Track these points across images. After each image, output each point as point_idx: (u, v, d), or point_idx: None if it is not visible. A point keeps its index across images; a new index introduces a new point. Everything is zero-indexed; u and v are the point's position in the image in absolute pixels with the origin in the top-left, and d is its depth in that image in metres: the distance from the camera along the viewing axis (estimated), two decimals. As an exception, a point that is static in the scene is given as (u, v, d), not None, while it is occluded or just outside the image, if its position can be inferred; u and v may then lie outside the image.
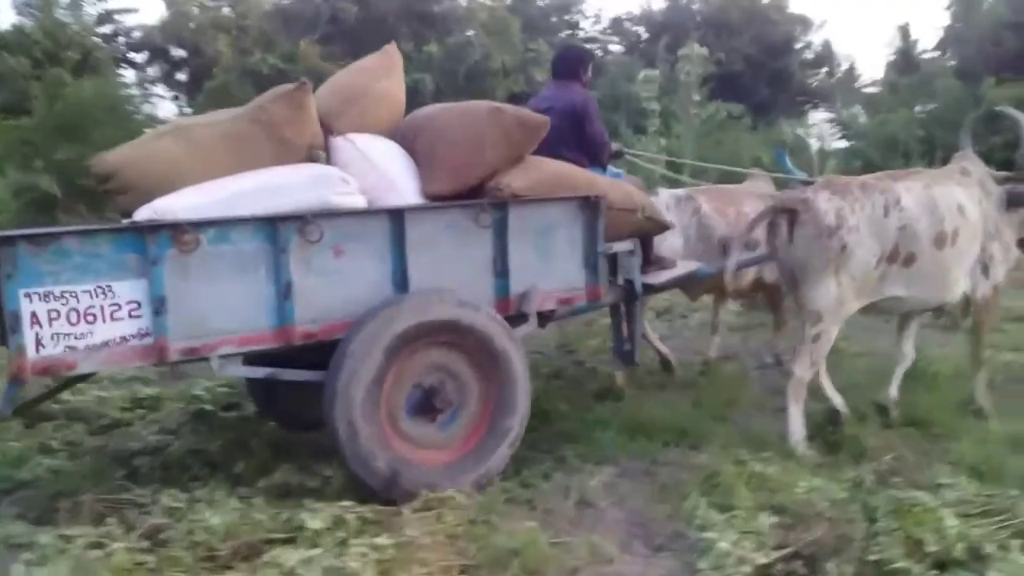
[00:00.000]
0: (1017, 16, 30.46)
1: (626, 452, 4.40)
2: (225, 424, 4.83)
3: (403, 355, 3.78)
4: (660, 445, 4.50)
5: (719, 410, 5.13)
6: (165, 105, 23.57)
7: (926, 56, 35.11)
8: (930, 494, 3.59)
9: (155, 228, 3.44)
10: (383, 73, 4.55)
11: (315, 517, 3.27)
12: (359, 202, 3.91)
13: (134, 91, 18.02)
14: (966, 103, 26.08)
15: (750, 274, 5.84)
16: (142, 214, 3.58)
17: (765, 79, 30.23)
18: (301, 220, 3.66)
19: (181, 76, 20.65)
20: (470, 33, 12.94)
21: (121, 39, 20.77)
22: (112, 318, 3.39)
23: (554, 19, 26.94)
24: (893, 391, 5.05)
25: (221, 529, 3.31)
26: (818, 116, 33.35)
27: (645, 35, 32.14)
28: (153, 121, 15.53)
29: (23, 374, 3.27)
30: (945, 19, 35.65)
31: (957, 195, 4.70)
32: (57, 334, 3.30)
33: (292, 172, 3.89)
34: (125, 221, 3.69)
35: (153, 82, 20.46)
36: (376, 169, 4.05)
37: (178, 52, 19.68)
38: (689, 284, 5.53)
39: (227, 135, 3.93)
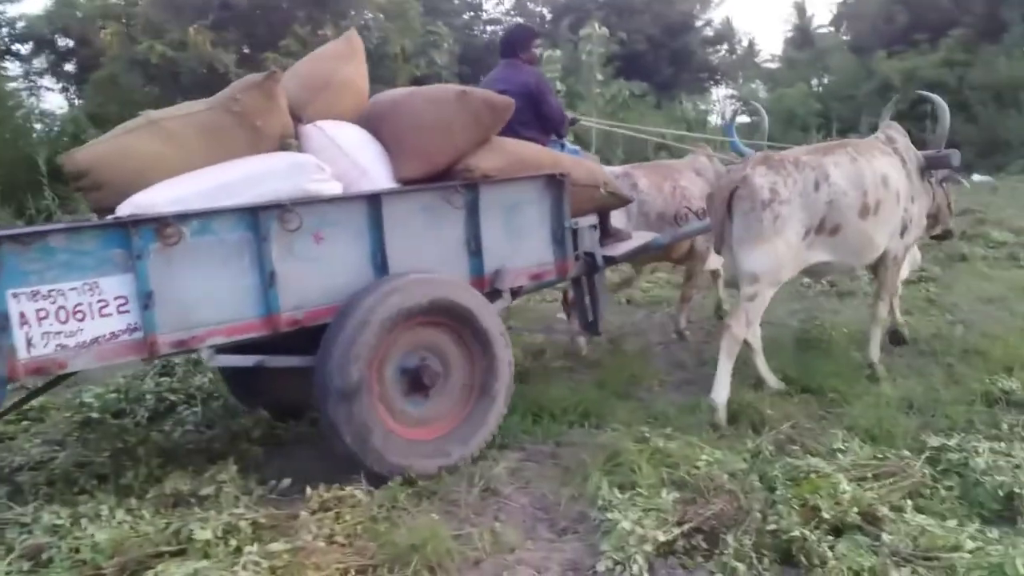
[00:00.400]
0: (904, -11, 31.54)
1: (531, 436, 4.37)
2: (115, 432, 4.60)
3: (393, 335, 3.85)
4: (565, 427, 4.48)
5: (623, 388, 5.16)
6: (52, 97, 22.55)
7: (822, 31, 36.16)
8: (826, 460, 3.68)
9: (138, 223, 3.41)
10: (345, 60, 4.57)
11: (205, 527, 3.12)
12: (335, 188, 3.93)
13: (19, 84, 17.20)
14: (859, 76, 26.99)
15: (686, 244, 6.06)
16: (124, 209, 3.55)
17: (667, 58, 30.65)
18: (280, 208, 3.67)
19: (69, 67, 19.73)
20: (367, 17, 12.64)
21: (4, 30, 19.79)
22: (101, 314, 3.36)
23: (456, 1, 26.75)
24: (873, 355, 5.24)
25: (107, 545, 3.14)
26: (720, 92, 34.09)
27: (549, 16, 32.21)
28: (42, 115, 14.82)
29: (15, 375, 3.23)
30: (839, -6, 36.80)
31: (882, 165, 4.96)
32: (47, 333, 3.26)
33: (268, 161, 3.89)
34: (109, 217, 3.59)
35: (40, 74, 19.54)
36: (347, 156, 4.08)
37: (65, 42, 18.79)
38: (643, 254, 5.65)
39: (201, 126, 3.91)
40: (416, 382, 3.98)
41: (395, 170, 4.20)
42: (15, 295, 3.18)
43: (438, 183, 4.19)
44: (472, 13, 27.79)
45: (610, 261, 5.23)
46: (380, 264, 3.96)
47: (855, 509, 3.15)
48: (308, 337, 3.78)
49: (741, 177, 4.69)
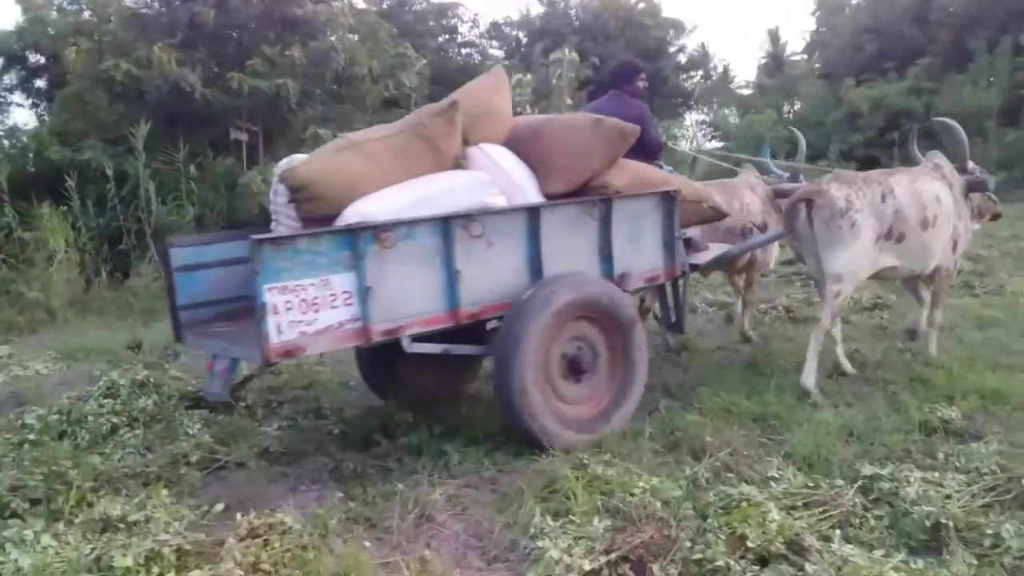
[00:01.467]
0: (875, 21, 32.10)
1: (473, 462, 4.36)
2: (51, 455, 4.53)
3: (558, 327, 4.47)
4: (508, 453, 4.47)
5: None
6: (21, 114, 22.29)
7: (794, 59, 36.67)
8: (759, 488, 3.70)
9: (363, 229, 4.00)
10: (497, 91, 5.16)
11: (126, 553, 3.08)
12: (503, 202, 4.61)
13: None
14: (828, 104, 27.36)
15: (747, 255, 6.71)
16: (347, 218, 4.13)
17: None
18: (467, 218, 4.30)
19: (40, 83, 19.49)
20: (333, 38, 12.63)
21: (-28, 45, 19.59)
22: (331, 306, 3.92)
23: (432, 23, 26.81)
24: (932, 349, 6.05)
25: (30, 571, 3.12)
26: (693, 118, 34.40)
27: (524, 39, 32.40)
28: (11, 132, 14.65)
29: (268, 357, 3.78)
30: (811, 24, 37.40)
31: (934, 187, 5.73)
32: (292, 322, 3.80)
33: (454, 178, 4.57)
34: (339, 224, 4.14)
35: (10, 90, 19.36)
36: (505, 174, 4.74)
37: (36, 58, 18.56)
38: (720, 263, 6.41)
39: (395, 148, 4.51)
40: (574, 367, 4.62)
41: (542, 186, 4.85)
42: (270, 289, 3.72)
43: (581, 198, 4.85)
44: (447, 36, 27.83)
45: (695, 268, 5.88)
46: (536, 267, 4.58)
47: (781, 538, 3.17)
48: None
49: (817, 191, 5.45)
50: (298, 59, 11.71)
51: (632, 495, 3.66)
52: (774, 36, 36.18)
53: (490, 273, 4.41)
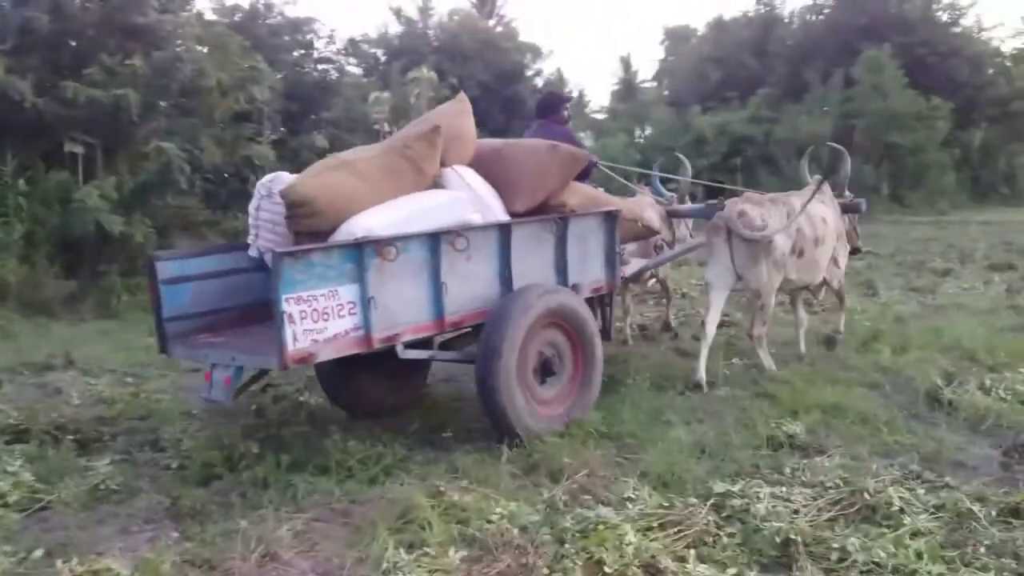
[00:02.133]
0: (718, 51, 33.74)
1: (323, 493, 4.13)
2: None
3: (534, 333, 4.85)
4: (362, 483, 4.27)
5: (425, 437, 5.04)
6: None
7: (645, 86, 38.02)
8: (616, 509, 3.68)
9: (368, 243, 4.30)
10: (465, 116, 5.50)
11: (-81, 614, 2.72)
12: (479, 219, 4.96)
13: None
14: (676, 129, 28.47)
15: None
16: (348, 233, 4.41)
17: (499, 104, 31.20)
18: (453, 234, 4.66)
19: None
20: (180, 48, 12.05)
21: None
22: (338, 316, 4.19)
23: (287, 38, 26.16)
24: (802, 348, 6.94)
25: None
26: (549, 140, 34.94)
27: (383, 58, 32.13)
28: None
29: (285, 363, 4.00)
30: (660, 52, 38.90)
31: (822, 209, 6.58)
32: (306, 330, 4.05)
33: (439, 196, 4.95)
34: (340, 238, 4.42)
35: None
36: (476, 194, 5.10)
37: None
38: (639, 275, 7.07)
39: (383, 167, 4.81)
40: (544, 369, 5.03)
41: (507, 205, 5.22)
42: (287, 299, 3.97)
43: (543, 216, 5.29)
44: (302, 51, 27.21)
45: (622, 280, 6.26)
46: (507, 279, 4.97)
47: (637, 562, 3.14)
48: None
49: (738, 212, 6.07)
50: (140, 69, 11.10)
51: (490, 522, 3.56)
52: (626, 63, 37.45)
53: (469, 284, 4.79)
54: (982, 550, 3.31)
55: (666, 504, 3.74)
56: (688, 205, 7.80)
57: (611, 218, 5.62)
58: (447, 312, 4.67)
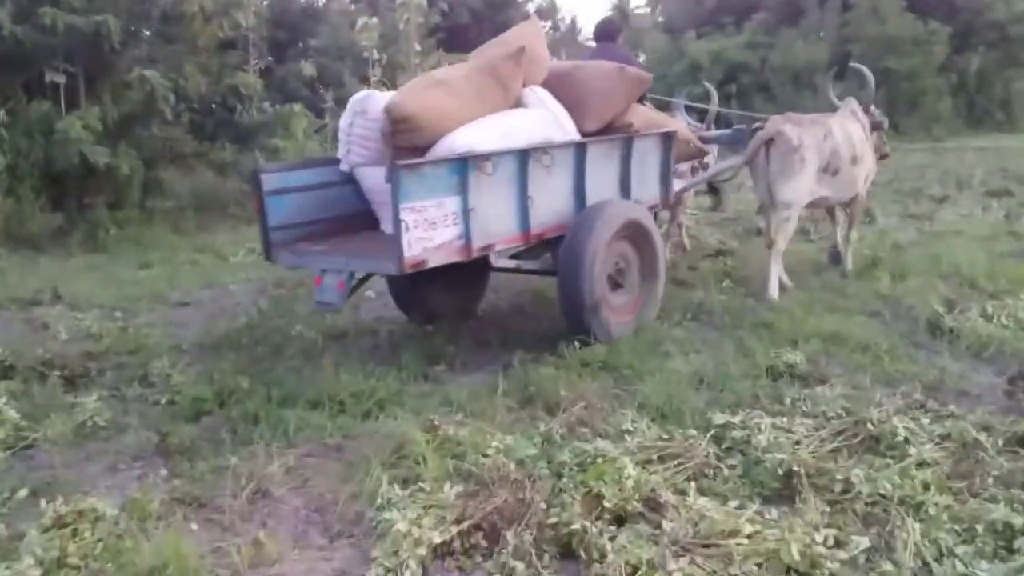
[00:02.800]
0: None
1: (315, 428, 4.05)
2: None
3: (612, 245, 5.20)
4: (356, 418, 4.19)
5: (421, 370, 4.95)
6: None
7: (639, 12, 37.19)
8: (614, 442, 3.60)
9: (472, 157, 4.59)
10: (536, 37, 5.81)
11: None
12: (561, 136, 5.27)
13: None
14: (671, 56, 27.96)
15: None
16: (454, 147, 4.68)
17: (490, 31, 30.48)
18: (540, 151, 4.99)
19: None
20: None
21: None
22: (444, 225, 4.48)
23: (271, -37, 25.38)
24: (848, 265, 7.23)
25: None
26: (542, 67, 34.33)
27: (371, -17, 31.26)
28: None
29: (402, 268, 4.33)
30: (654, -24, 37.97)
31: (856, 129, 6.90)
32: (419, 238, 4.35)
33: (526, 115, 5.26)
34: (443, 153, 4.68)
35: None
36: (552, 113, 5.36)
37: None
38: (678, 196, 7.34)
39: (476, 86, 5.06)
40: (617, 279, 5.41)
41: (578, 125, 5.47)
42: (404, 208, 4.24)
43: (614, 135, 5.62)
44: (289, -25, 26.45)
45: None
46: (581, 195, 5.31)
47: (637, 496, 3.07)
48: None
49: (776, 131, 6.35)
50: (121, -10, 10.68)
51: (486, 456, 3.48)
52: (620, -11, 36.55)
53: (550, 199, 5.10)
54: (990, 480, 3.25)
55: (665, 436, 3.66)
56: (718, 131, 8.04)
57: (668, 139, 6.02)
58: (532, 225, 4.98)
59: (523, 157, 4.87)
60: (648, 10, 37.34)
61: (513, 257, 5.46)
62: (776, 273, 6.41)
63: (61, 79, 11.02)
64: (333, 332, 5.91)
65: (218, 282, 8.10)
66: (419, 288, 5.77)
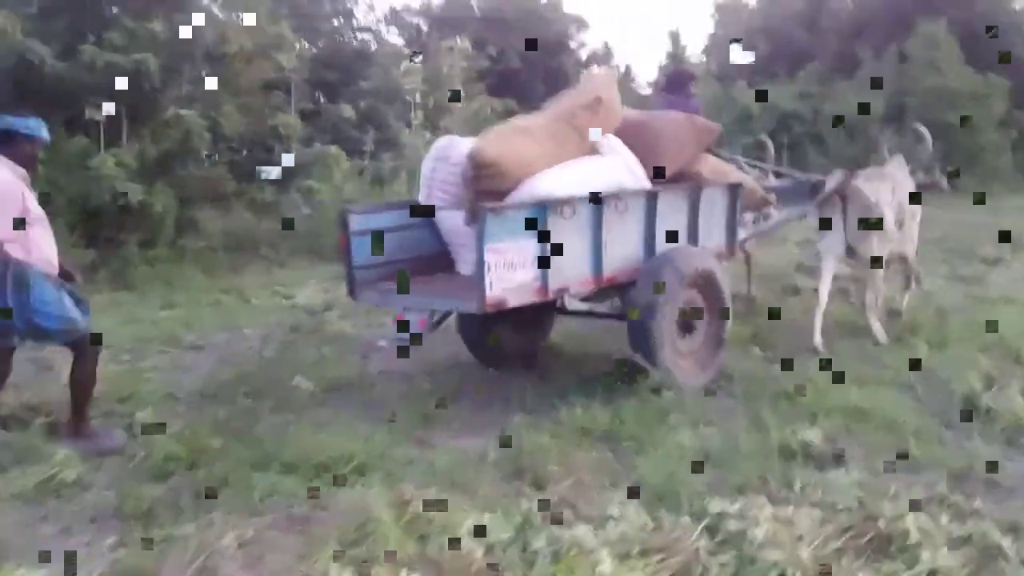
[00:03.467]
0: (767, 23, 32.70)
1: (284, 495, 3.81)
2: None
3: (682, 291, 5.29)
4: (329, 485, 3.94)
5: (413, 431, 4.71)
6: None
7: (693, 60, 37.05)
8: (595, 529, 3.30)
9: (551, 202, 4.78)
10: (610, 87, 5.84)
11: None
12: (633, 184, 5.41)
13: None
14: (723, 105, 27.63)
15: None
16: (535, 192, 4.92)
17: (541, 77, 30.60)
18: (614, 197, 5.13)
19: None
20: (202, 12, 11.74)
21: None
22: (523, 267, 4.63)
23: (326, 6, 25.87)
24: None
25: None
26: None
27: (425, 27, 31.71)
28: None
29: (485, 307, 4.52)
30: (710, 27, 37.89)
31: (909, 184, 7.07)
32: (499, 278, 4.51)
33: (601, 162, 5.42)
34: (524, 198, 4.90)
35: None
36: (625, 160, 5.52)
37: None
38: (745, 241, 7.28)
39: (554, 134, 5.30)
40: (686, 325, 5.45)
41: (649, 172, 5.58)
42: (488, 249, 4.42)
43: (684, 183, 5.75)
44: (342, 19, 26.89)
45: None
46: (651, 242, 5.39)
47: (606, 597, 2.77)
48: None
49: (853, 188, 6.46)
50: (160, 34, 10.82)
51: (454, 541, 3.20)
52: (675, 37, 36.46)
53: (622, 244, 5.22)
54: (1009, 598, 2.88)
55: (653, 524, 3.34)
56: (780, 182, 8.08)
57: (735, 188, 6.08)
58: (604, 269, 5.11)
59: (598, 203, 5.00)
60: (703, 59, 37.21)
61: (584, 300, 5.68)
62: (878, 325, 6.62)
63: (100, 117, 11.18)
64: (334, 384, 5.72)
65: (235, 325, 7.98)
66: (489, 329, 5.90)
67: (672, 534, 3.25)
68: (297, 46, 13.81)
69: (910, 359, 5.78)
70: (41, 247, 4.47)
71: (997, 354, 6.09)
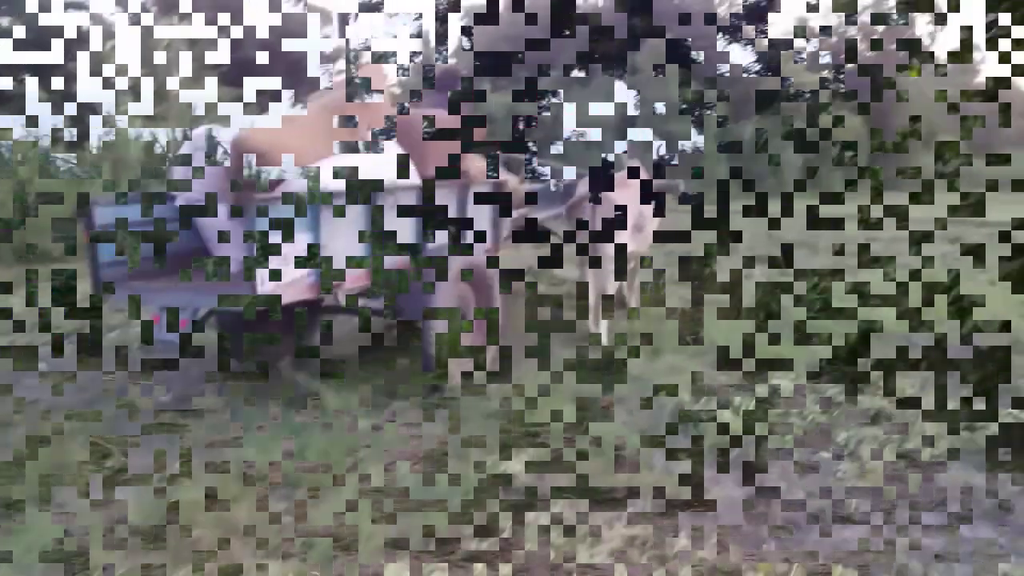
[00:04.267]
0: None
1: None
2: None
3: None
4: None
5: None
6: None
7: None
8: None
9: (321, 195, 4.67)
10: (382, 81, 5.73)
11: None
12: (402, 179, 5.31)
13: None
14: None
15: None
16: (299, 185, 4.73)
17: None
18: (388, 192, 5.13)
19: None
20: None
21: None
22: (293, 262, 4.52)
23: None
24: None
25: None
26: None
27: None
28: None
29: (254, 305, 4.41)
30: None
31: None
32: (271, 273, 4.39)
33: (374, 157, 5.35)
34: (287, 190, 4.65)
35: None
36: (395, 155, 5.40)
37: None
38: None
39: (322, 127, 5.25)
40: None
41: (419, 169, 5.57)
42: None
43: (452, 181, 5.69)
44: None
45: None
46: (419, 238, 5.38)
47: None
48: None
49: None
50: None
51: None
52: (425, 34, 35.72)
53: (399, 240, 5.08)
54: None
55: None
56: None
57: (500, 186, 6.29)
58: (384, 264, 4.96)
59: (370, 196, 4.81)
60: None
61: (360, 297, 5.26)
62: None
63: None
64: None
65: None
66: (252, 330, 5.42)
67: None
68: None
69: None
70: None
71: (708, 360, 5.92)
